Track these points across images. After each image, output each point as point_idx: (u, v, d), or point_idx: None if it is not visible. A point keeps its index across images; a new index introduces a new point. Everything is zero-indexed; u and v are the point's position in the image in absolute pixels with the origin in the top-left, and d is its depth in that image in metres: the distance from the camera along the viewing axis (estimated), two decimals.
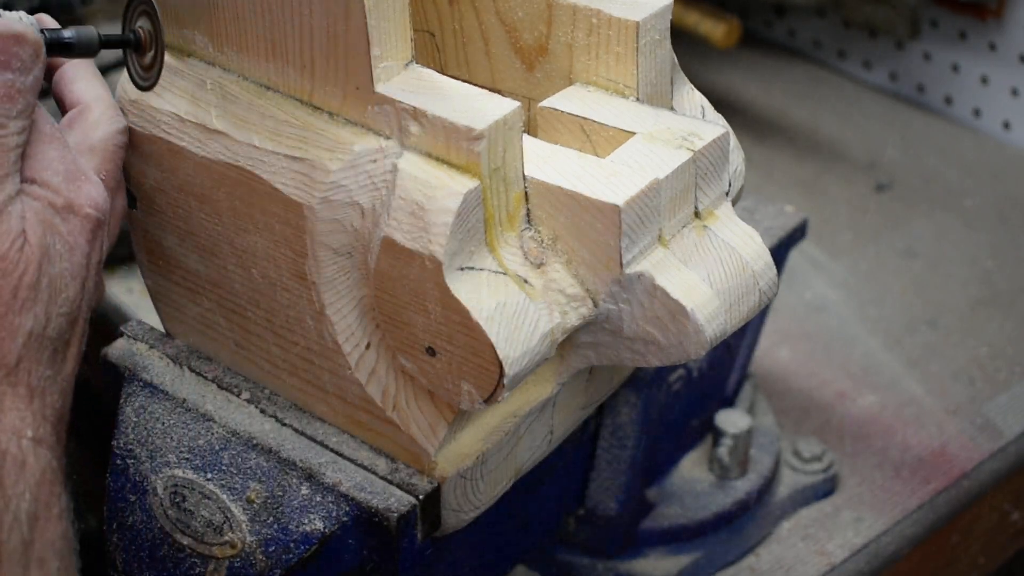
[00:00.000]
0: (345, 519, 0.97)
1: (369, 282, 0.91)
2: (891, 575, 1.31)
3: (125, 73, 0.99)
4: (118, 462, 1.03)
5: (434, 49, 1.06)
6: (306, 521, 0.96)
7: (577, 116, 0.97)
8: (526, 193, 0.91)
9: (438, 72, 0.90)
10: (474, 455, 0.99)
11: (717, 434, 1.29)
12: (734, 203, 1.00)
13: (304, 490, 0.98)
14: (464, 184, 0.86)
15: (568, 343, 0.97)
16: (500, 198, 0.89)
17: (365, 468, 0.99)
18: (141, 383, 1.06)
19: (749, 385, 1.38)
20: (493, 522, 1.09)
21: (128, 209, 1.04)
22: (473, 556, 1.13)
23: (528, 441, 1.04)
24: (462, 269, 0.87)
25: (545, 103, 0.98)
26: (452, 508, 1.00)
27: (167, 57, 0.97)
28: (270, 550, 0.96)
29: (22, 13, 0.88)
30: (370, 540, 0.98)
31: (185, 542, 0.98)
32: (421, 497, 0.97)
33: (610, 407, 1.17)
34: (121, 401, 1.06)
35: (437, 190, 0.86)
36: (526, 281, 0.89)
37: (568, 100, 0.98)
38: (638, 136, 0.95)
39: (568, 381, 1.03)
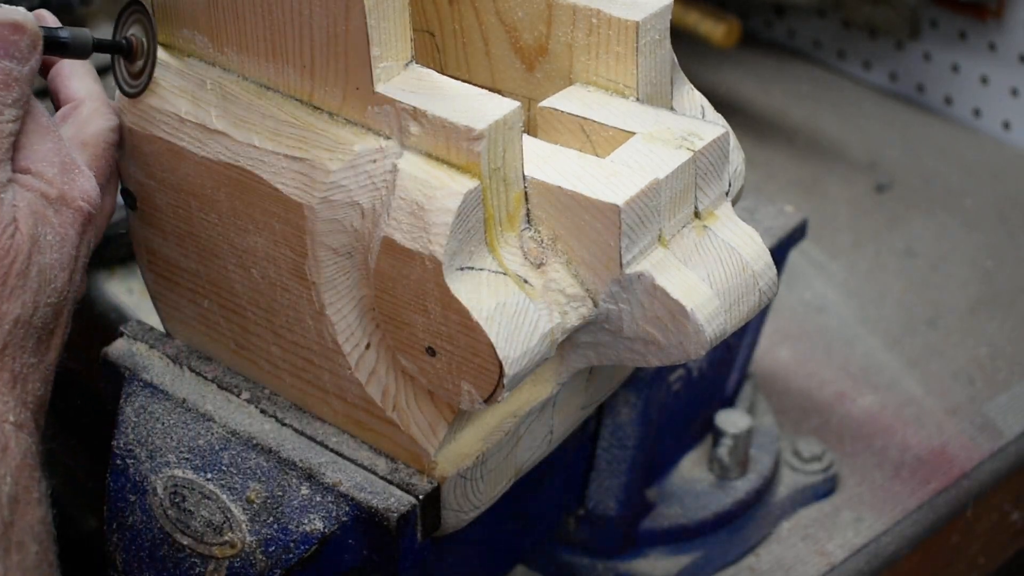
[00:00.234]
0: (345, 519, 0.97)
1: (369, 282, 0.91)
2: (891, 575, 1.31)
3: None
4: (118, 462, 1.03)
5: (434, 49, 1.06)
6: (306, 521, 0.96)
7: (577, 116, 0.97)
8: (526, 193, 0.91)
9: (438, 72, 0.90)
10: (474, 455, 0.99)
11: (717, 434, 1.29)
12: (734, 203, 0.99)
13: (304, 490, 0.98)
14: (464, 184, 0.86)
15: (568, 343, 0.97)
16: (500, 198, 0.89)
17: (365, 468, 0.99)
18: (141, 383, 1.06)
19: (749, 385, 1.38)
20: (493, 522, 1.09)
21: (128, 209, 1.04)
22: (473, 556, 1.13)
23: (528, 441, 1.04)
24: (462, 269, 0.87)
25: (545, 103, 0.98)
26: (452, 508, 1.00)
27: (167, 58, 0.97)
28: (270, 550, 0.96)
29: (22, 8, 0.89)
30: (370, 540, 0.98)
31: (185, 542, 0.98)
32: (421, 497, 0.97)
33: (610, 407, 1.17)
34: (121, 401, 1.06)
35: (437, 190, 0.86)
36: (526, 281, 0.89)
37: (568, 100, 0.98)
38: (638, 136, 0.95)
39: (568, 381, 1.03)
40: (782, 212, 1.34)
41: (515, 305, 0.88)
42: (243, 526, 0.97)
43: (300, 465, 0.99)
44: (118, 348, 1.09)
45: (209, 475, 0.99)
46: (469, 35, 1.04)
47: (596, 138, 0.97)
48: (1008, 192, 1.80)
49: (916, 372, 1.51)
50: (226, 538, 0.97)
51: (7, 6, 0.88)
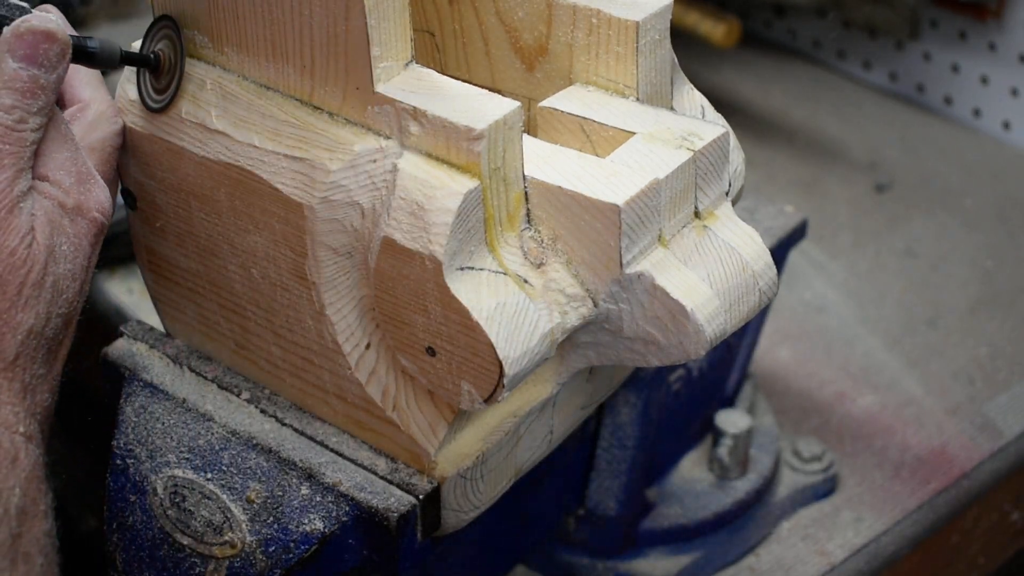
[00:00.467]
0: (345, 519, 0.97)
1: (369, 282, 0.91)
2: (891, 575, 1.31)
3: (124, 73, 0.99)
4: (118, 462, 1.03)
5: (434, 49, 1.06)
6: (306, 521, 0.96)
7: (577, 116, 0.97)
8: (526, 193, 0.91)
9: (438, 72, 0.90)
10: (474, 455, 0.99)
11: (717, 434, 1.29)
12: (734, 203, 1.00)
13: (304, 490, 0.98)
14: (464, 184, 0.86)
15: (568, 343, 0.97)
16: (500, 198, 0.89)
17: (365, 468, 0.99)
18: (141, 383, 1.06)
19: (749, 385, 1.38)
20: (493, 522, 1.09)
21: (128, 209, 1.04)
22: (473, 556, 1.13)
23: (528, 441, 1.04)
24: (462, 269, 0.87)
25: (545, 103, 0.98)
26: (452, 508, 1.00)
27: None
28: (270, 550, 0.96)
29: (51, 8, 0.89)
30: (370, 540, 0.98)
31: (185, 542, 0.98)
32: (421, 497, 0.97)
33: (610, 407, 1.17)
34: (121, 401, 1.06)
35: (437, 190, 0.86)
36: (526, 281, 0.89)
37: (568, 100, 0.98)
38: (638, 136, 0.95)
39: (568, 381, 1.03)
40: (782, 212, 1.34)
41: (515, 305, 0.88)
42: (243, 526, 0.97)
43: (300, 465, 0.99)
44: (118, 348, 1.09)
45: (209, 475, 0.99)
46: (469, 35, 1.04)
47: (596, 138, 0.97)
48: (1008, 192, 1.80)
49: (916, 372, 1.51)
50: (226, 538, 0.97)
51: (39, 13, 0.88)
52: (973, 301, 1.62)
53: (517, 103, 0.88)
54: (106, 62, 0.93)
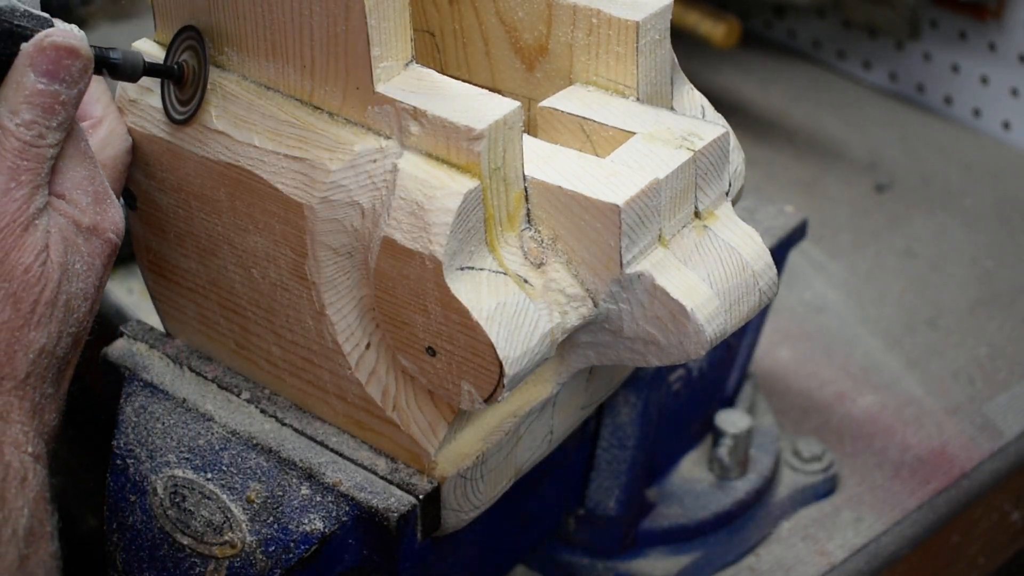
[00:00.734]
0: (345, 519, 0.97)
1: (369, 282, 0.91)
2: (891, 575, 1.31)
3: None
4: (118, 462, 1.03)
5: (434, 49, 1.06)
6: (306, 521, 0.96)
7: (577, 116, 0.97)
8: (526, 193, 0.91)
9: (438, 72, 0.90)
10: (474, 455, 0.99)
11: (717, 434, 1.29)
12: (734, 203, 1.00)
13: (304, 490, 0.98)
14: (464, 184, 0.86)
15: (568, 343, 0.97)
16: (500, 198, 0.89)
17: (365, 468, 0.99)
18: (141, 383, 1.06)
19: (749, 385, 1.38)
20: (493, 522, 1.09)
21: (128, 209, 1.04)
22: (473, 556, 1.13)
23: (528, 441, 1.04)
24: (462, 269, 0.87)
25: (545, 103, 0.98)
26: (452, 508, 1.00)
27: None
28: (270, 550, 0.96)
29: (73, 26, 0.88)
30: (370, 540, 0.98)
31: (185, 542, 0.98)
32: (421, 497, 0.97)
33: (610, 407, 1.17)
34: (121, 401, 1.06)
35: (437, 190, 0.86)
36: (526, 281, 0.89)
37: (568, 100, 0.98)
38: (638, 136, 0.95)
39: (568, 381, 1.03)
40: (782, 212, 1.34)
41: (515, 305, 0.88)
42: (243, 526, 0.97)
43: (300, 465, 0.99)
44: (118, 348, 1.09)
45: (209, 475, 0.99)
46: (469, 35, 1.04)
47: (596, 138, 0.97)
48: (1008, 192, 1.80)
49: (916, 372, 1.51)
50: (226, 538, 0.97)
51: (62, 27, 0.86)
52: (973, 301, 1.62)
53: (517, 103, 0.88)
54: (128, 74, 0.92)
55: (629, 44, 0.97)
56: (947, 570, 1.39)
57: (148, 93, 0.97)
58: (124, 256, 1.44)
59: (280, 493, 0.98)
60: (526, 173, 0.90)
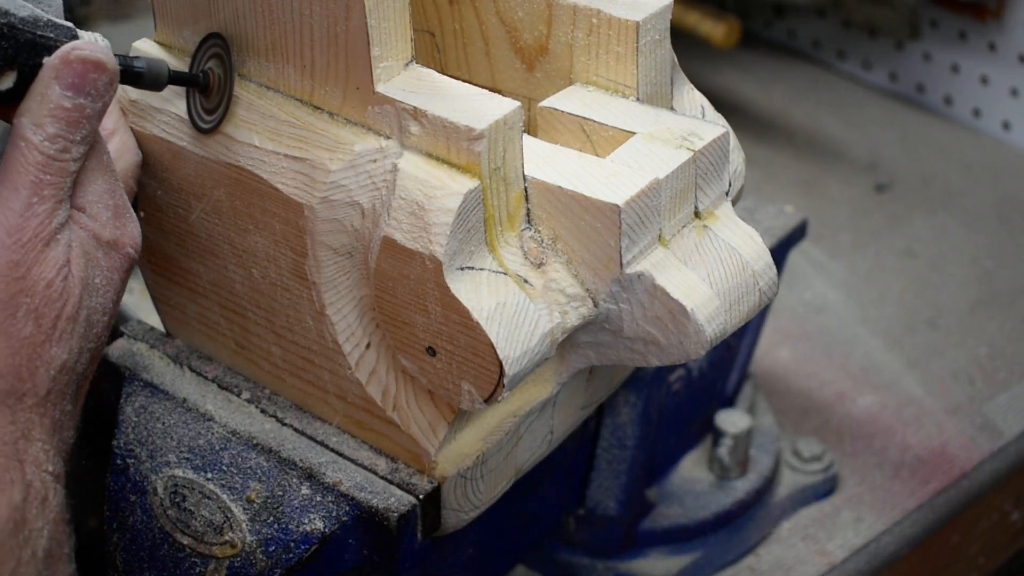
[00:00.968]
0: (345, 519, 0.97)
1: (369, 282, 0.91)
2: (891, 575, 1.31)
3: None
4: (118, 462, 1.03)
5: (434, 49, 1.06)
6: (306, 521, 0.96)
7: (577, 116, 0.97)
8: (526, 193, 0.91)
9: (438, 72, 0.90)
10: (474, 455, 0.99)
11: (717, 434, 1.29)
12: (734, 203, 1.00)
13: (304, 490, 0.98)
14: (464, 184, 0.86)
15: (568, 343, 0.97)
16: (500, 198, 0.89)
17: (365, 468, 0.99)
18: (141, 383, 1.06)
19: (749, 385, 1.38)
20: (493, 522, 1.09)
21: None
22: (473, 556, 1.13)
23: (528, 441, 1.04)
24: (462, 269, 0.87)
25: (545, 103, 0.98)
26: (452, 508, 1.00)
27: (168, 58, 0.97)
28: (270, 550, 0.96)
29: (98, 35, 0.87)
30: (370, 540, 0.98)
31: (185, 542, 0.98)
32: (421, 497, 0.97)
33: (610, 407, 1.17)
34: (121, 401, 1.06)
35: (437, 190, 0.86)
36: (526, 281, 0.89)
37: (568, 100, 0.98)
38: (638, 136, 0.95)
39: (568, 381, 1.03)
40: (782, 212, 1.34)
41: (515, 305, 0.88)
42: (243, 526, 0.97)
43: (300, 465, 0.99)
44: (118, 348, 1.09)
45: (209, 475, 0.99)
46: (469, 35, 1.04)
47: (596, 138, 0.97)
48: (1008, 192, 1.80)
49: (916, 372, 1.51)
50: (226, 538, 0.97)
51: (87, 37, 0.85)
52: (973, 301, 1.62)
53: (517, 103, 0.88)
54: (153, 83, 0.91)
55: (629, 44, 0.97)
56: (947, 570, 1.39)
57: (148, 93, 0.97)
58: None
59: (280, 493, 0.98)
60: (526, 173, 0.90)
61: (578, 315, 0.91)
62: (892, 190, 1.81)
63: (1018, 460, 1.41)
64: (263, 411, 1.03)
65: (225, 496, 0.98)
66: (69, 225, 0.84)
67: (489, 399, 0.89)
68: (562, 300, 0.91)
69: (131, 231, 0.89)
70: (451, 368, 0.89)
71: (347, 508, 0.97)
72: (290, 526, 0.96)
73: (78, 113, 0.83)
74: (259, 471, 0.99)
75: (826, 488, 1.36)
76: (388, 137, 0.89)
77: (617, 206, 0.88)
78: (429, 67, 0.91)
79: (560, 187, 0.89)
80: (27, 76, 0.83)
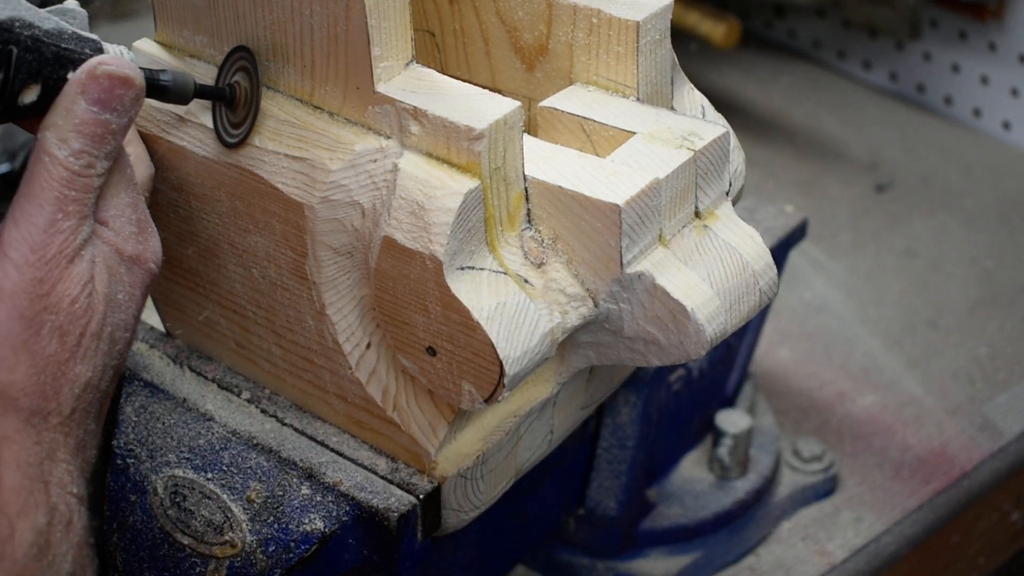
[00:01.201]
0: (345, 519, 0.97)
1: (369, 282, 0.91)
2: (891, 575, 1.31)
3: None
4: (118, 462, 1.03)
5: (434, 49, 1.06)
6: (306, 521, 0.96)
7: (577, 116, 0.97)
8: (526, 193, 0.91)
9: (438, 72, 0.90)
10: (474, 455, 0.99)
11: (717, 434, 1.29)
12: (734, 203, 1.00)
13: (304, 490, 0.98)
14: (464, 184, 0.86)
15: (568, 343, 0.97)
16: (500, 198, 0.89)
17: (365, 468, 0.99)
18: (141, 383, 1.06)
19: (749, 385, 1.38)
20: (493, 522, 1.09)
21: None
22: (473, 556, 1.13)
23: (528, 441, 1.04)
24: (462, 269, 0.87)
25: (545, 103, 0.98)
26: (452, 508, 1.00)
27: (168, 58, 0.97)
28: (270, 550, 0.96)
29: (123, 48, 0.86)
30: (370, 540, 0.98)
31: (185, 542, 0.98)
32: (421, 497, 0.97)
33: (610, 407, 1.17)
34: (121, 401, 1.06)
35: (437, 190, 0.86)
36: (526, 281, 0.89)
37: (568, 100, 0.98)
38: (638, 136, 0.95)
39: (568, 381, 1.03)
40: (782, 212, 1.34)
41: (515, 305, 0.88)
42: (243, 526, 0.97)
43: (300, 465, 0.99)
44: None
45: (209, 475, 0.99)
46: (469, 35, 1.04)
47: (596, 138, 0.97)
48: (1008, 192, 1.80)
49: (916, 372, 1.51)
50: (226, 538, 0.97)
51: (113, 50, 0.85)
52: (973, 301, 1.62)
53: (517, 103, 0.88)
54: (179, 97, 0.89)
55: (629, 44, 0.97)
56: (947, 570, 1.39)
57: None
58: None
59: (280, 493, 0.98)
60: (526, 173, 0.90)
61: (578, 315, 0.91)
62: (892, 190, 1.81)
63: (1018, 460, 1.41)
64: (263, 411, 1.03)
65: (225, 496, 0.98)
66: (93, 240, 0.83)
67: (489, 399, 0.89)
68: (562, 300, 0.91)
69: (153, 246, 0.87)
70: (451, 368, 0.89)
71: (347, 508, 0.97)
72: (290, 526, 0.96)
73: (104, 129, 0.82)
74: (259, 471, 0.99)
75: (826, 488, 1.36)
76: (388, 137, 0.89)
77: (617, 206, 0.88)
78: (429, 67, 0.91)
79: (560, 187, 0.89)
80: (51, 90, 0.82)
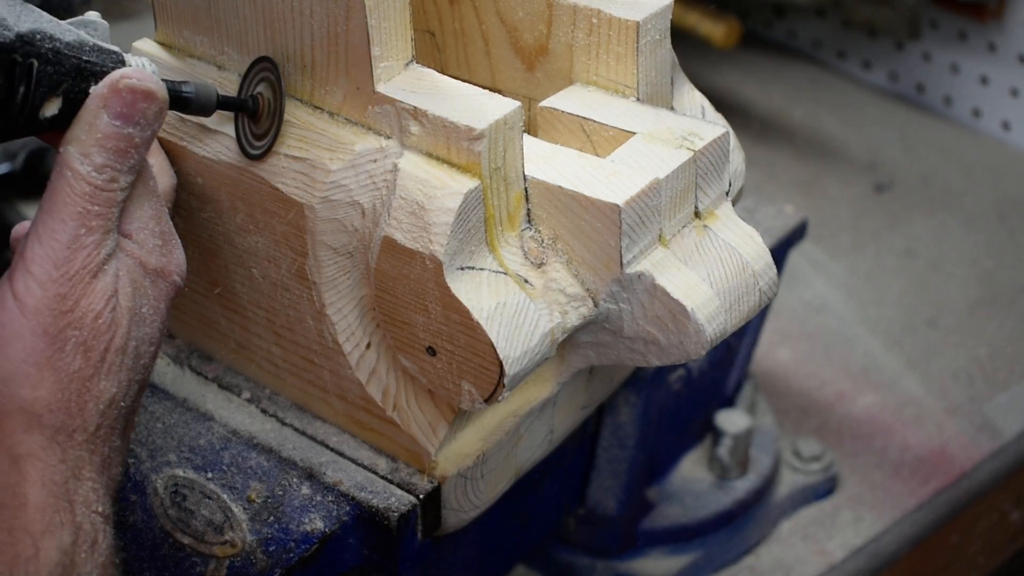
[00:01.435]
0: (345, 518, 0.97)
1: (369, 282, 0.91)
2: (891, 575, 1.31)
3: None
4: None
5: (434, 49, 1.06)
6: (306, 520, 0.97)
7: (577, 116, 0.97)
8: (526, 193, 0.91)
9: (438, 72, 0.90)
10: (474, 455, 0.99)
11: (717, 434, 1.29)
12: (734, 203, 1.00)
13: (304, 490, 0.98)
14: (464, 184, 0.86)
15: (568, 343, 0.97)
16: (500, 198, 0.89)
17: (365, 468, 0.99)
18: None
19: (749, 385, 1.38)
20: (493, 522, 1.09)
21: None
22: (473, 556, 1.13)
23: (528, 441, 1.04)
24: (462, 269, 0.87)
25: (545, 103, 0.98)
26: (452, 508, 1.00)
27: (168, 58, 0.97)
28: (270, 549, 0.96)
29: (145, 60, 0.85)
30: (370, 539, 0.98)
31: (186, 541, 0.98)
32: (421, 497, 0.97)
33: (610, 407, 1.17)
34: None
35: (437, 190, 0.86)
36: (526, 281, 0.89)
37: (568, 100, 0.98)
38: (638, 136, 0.95)
39: (568, 381, 1.03)
40: (782, 212, 1.34)
41: (515, 305, 0.88)
42: (244, 525, 0.97)
43: (301, 465, 0.99)
44: None
45: (210, 474, 0.99)
46: (469, 35, 1.04)
47: (596, 138, 0.97)
48: (1008, 192, 1.81)
49: (916, 372, 1.51)
50: (227, 537, 0.97)
51: (135, 63, 0.83)
52: (973, 301, 1.62)
53: (517, 103, 0.88)
54: (202, 109, 0.88)
55: (629, 44, 0.97)
56: (947, 570, 1.39)
57: None
58: None
59: (280, 493, 0.98)
60: (526, 173, 0.90)
61: (578, 315, 0.91)
62: (892, 190, 1.81)
63: (1018, 460, 1.41)
64: (263, 411, 1.03)
65: (225, 496, 0.98)
66: (116, 254, 0.82)
67: (489, 399, 0.89)
68: (562, 300, 0.91)
69: (177, 258, 0.86)
70: (451, 368, 0.89)
71: (347, 508, 0.97)
72: (290, 526, 0.96)
73: (126, 143, 0.81)
74: (259, 471, 0.99)
75: (826, 488, 1.36)
76: (388, 137, 0.89)
77: (617, 206, 0.88)
78: (429, 67, 0.91)
79: (560, 187, 0.89)
80: (73, 103, 0.81)
